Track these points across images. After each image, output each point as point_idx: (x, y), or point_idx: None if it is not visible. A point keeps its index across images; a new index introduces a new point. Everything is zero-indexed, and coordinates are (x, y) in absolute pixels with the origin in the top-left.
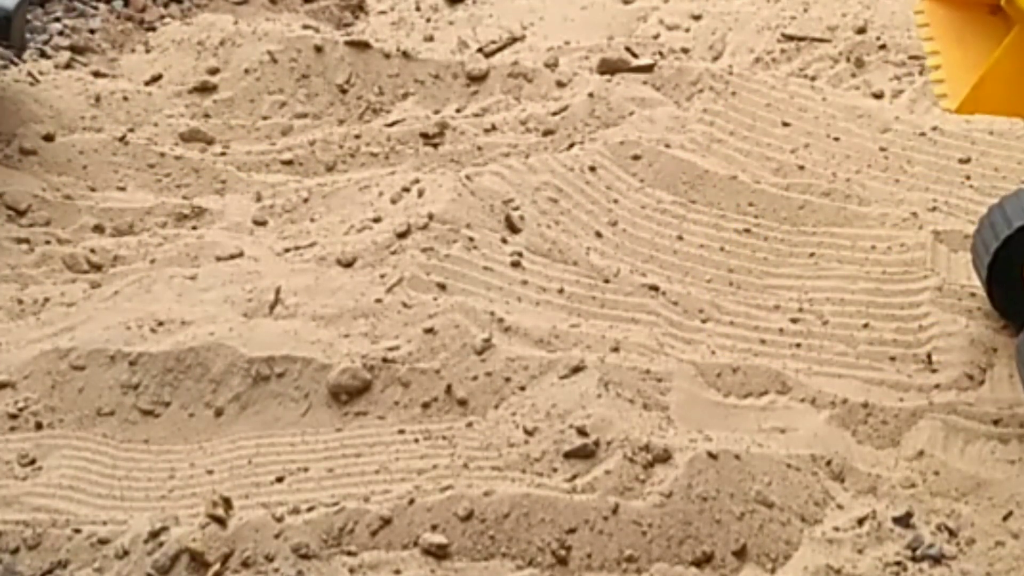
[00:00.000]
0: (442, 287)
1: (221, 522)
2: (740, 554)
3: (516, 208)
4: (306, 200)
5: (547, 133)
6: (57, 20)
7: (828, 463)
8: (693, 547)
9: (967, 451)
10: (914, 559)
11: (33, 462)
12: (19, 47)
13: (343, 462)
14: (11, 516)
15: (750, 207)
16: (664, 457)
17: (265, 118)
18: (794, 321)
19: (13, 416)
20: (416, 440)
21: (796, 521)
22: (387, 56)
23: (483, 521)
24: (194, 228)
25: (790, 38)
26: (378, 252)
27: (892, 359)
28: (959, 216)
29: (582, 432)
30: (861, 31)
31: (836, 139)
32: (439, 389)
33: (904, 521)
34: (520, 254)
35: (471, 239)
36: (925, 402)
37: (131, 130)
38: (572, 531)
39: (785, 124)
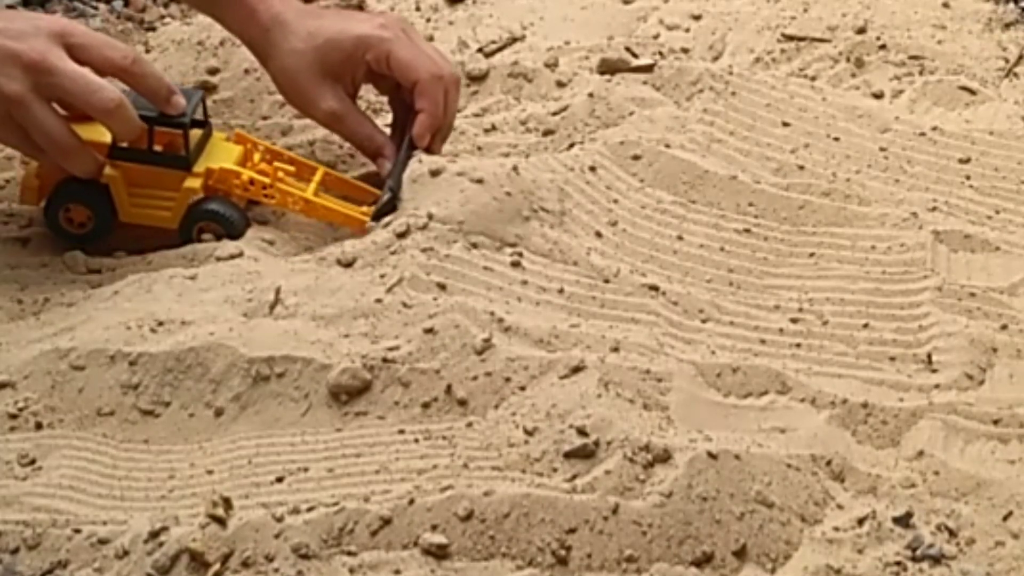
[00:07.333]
0: (442, 287)
1: (221, 522)
2: (740, 554)
3: None
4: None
5: (547, 133)
6: None
7: (828, 463)
8: (693, 547)
9: (967, 451)
10: (914, 559)
11: (33, 462)
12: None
13: (343, 462)
14: (11, 516)
15: (750, 207)
16: (664, 457)
17: (265, 118)
18: (794, 321)
19: (13, 416)
20: (416, 440)
21: (796, 521)
22: None
23: (483, 521)
24: None
25: (790, 38)
26: (378, 252)
27: (892, 359)
28: (959, 216)
29: (582, 432)
30: (861, 31)
31: (836, 139)
32: (439, 389)
33: (904, 521)
34: (520, 254)
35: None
36: (925, 402)
37: None
38: (572, 531)
39: (785, 124)
